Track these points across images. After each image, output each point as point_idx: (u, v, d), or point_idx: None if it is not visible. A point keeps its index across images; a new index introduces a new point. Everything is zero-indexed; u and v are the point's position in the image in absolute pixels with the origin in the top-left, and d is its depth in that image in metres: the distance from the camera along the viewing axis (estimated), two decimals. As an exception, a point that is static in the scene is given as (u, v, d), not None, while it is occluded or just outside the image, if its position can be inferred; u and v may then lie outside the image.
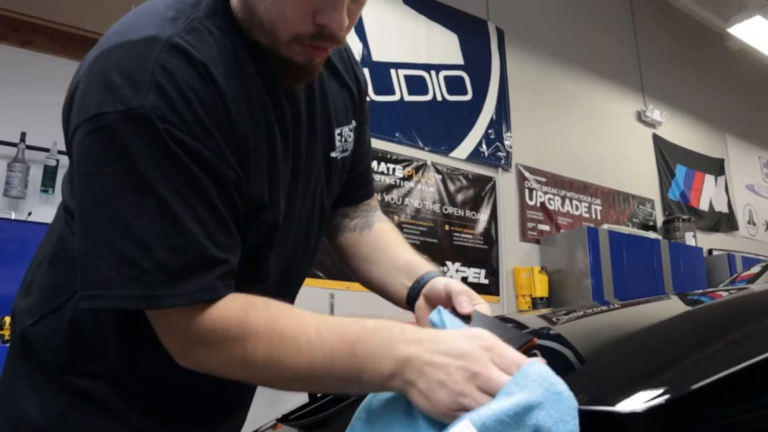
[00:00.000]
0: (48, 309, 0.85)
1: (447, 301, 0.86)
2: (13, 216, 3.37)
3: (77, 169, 0.70)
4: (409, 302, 0.95)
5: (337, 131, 0.96)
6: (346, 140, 0.98)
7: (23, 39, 3.53)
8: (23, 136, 3.44)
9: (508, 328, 0.81)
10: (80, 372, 0.82)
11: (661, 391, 0.57)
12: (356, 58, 1.04)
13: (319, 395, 1.22)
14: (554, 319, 1.21)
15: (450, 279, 0.91)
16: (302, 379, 0.69)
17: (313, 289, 3.80)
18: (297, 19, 0.73)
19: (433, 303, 0.89)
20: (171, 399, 0.86)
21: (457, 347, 0.62)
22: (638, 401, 0.56)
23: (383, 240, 1.04)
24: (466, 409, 0.58)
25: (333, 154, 0.96)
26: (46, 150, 3.52)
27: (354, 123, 1.00)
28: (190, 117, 0.69)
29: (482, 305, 0.84)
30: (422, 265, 0.97)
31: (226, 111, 0.73)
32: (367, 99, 1.07)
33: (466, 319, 0.80)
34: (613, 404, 0.57)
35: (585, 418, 0.54)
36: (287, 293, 0.95)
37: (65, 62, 3.60)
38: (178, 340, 0.72)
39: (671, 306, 1.23)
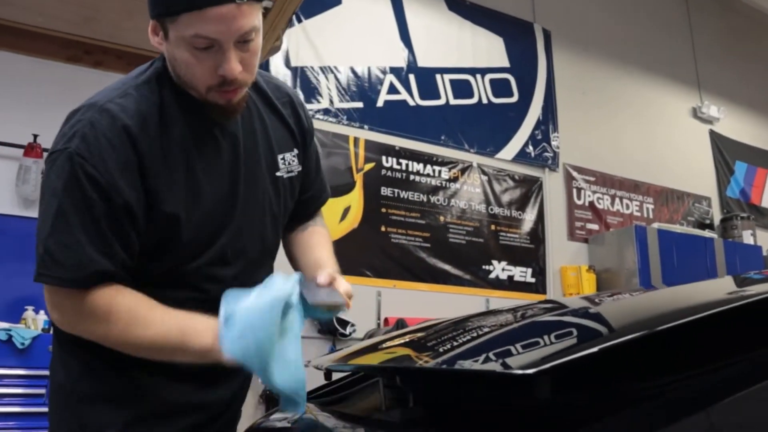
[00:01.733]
0: None
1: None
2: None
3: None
4: None
5: (280, 156, 1.24)
6: (289, 163, 1.26)
7: (95, 60, 3.87)
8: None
9: (329, 290, 1.10)
10: (88, 349, 1.07)
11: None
12: (301, 104, 1.33)
13: (334, 378, 1.39)
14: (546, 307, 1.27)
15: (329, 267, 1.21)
16: (147, 348, 1.01)
17: (361, 287, 3.99)
18: (205, 76, 1.02)
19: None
20: (152, 371, 1.09)
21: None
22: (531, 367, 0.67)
23: (309, 241, 1.34)
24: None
25: (278, 174, 1.24)
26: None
27: (296, 151, 1.28)
28: (98, 157, 0.99)
29: (340, 281, 1.12)
30: (325, 265, 1.23)
31: (135, 154, 1.02)
32: (314, 138, 1.36)
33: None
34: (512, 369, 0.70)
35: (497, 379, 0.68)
36: (249, 282, 1.15)
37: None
38: (57, 311, 1.03)
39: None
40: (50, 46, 3.57)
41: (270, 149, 1.22)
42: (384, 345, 1.22)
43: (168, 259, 1.10)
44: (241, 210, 1.17)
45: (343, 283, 1.14)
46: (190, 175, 1.09)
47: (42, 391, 2.72)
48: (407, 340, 1.21)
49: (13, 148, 3.50)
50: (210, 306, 1.00)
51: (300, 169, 1.28)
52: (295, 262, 1.33)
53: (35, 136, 3.46)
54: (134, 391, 1.11)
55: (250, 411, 3.40)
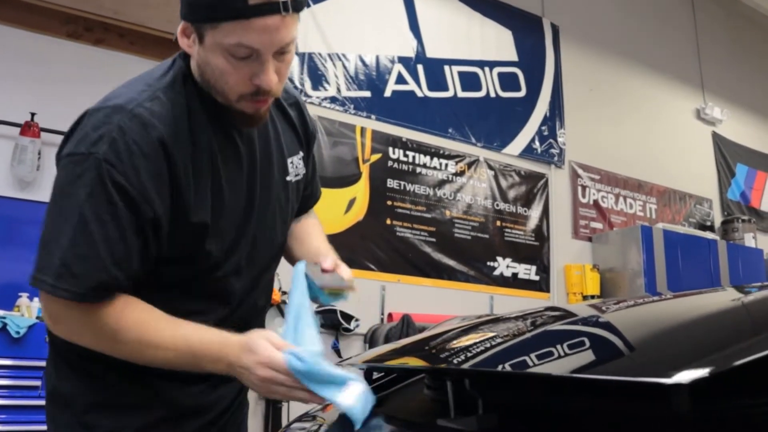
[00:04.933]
0: None
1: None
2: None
3: (53, 188, 0.97)
4: None
5: (290, 160, 1.23)
6: (296, 167, 1.25)
7: (96, 38, 3.72)
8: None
9: (333, 275, 1.14)
10: (86, 356, 1.04)
11: (705, 368, 0.60)
12: (305, 107, 1.32)
13: (374, 377, 1.28)
14: (604, 308, 1.23)
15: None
16: (158, 364, 1.00)
17: (365, 281, 3.89)
18: (239, 84, 0.99)
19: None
20: (160, 377, 1.07)
21: (244, 362, 0.97)
22: (684, 375, 0.58)
23: (304, 231, 1.35)
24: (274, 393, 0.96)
25: (288, 178, 1.23)
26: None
27: (302, 153, 1.27)
28: (129, 165, 0.94)
29: (343, 267, 1.18)
30: (325, 252, 1.25)
31: (168, 164, 0.98)
32: (316, 139, 1.37)
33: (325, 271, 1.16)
34: (660, 377, 0.60)
35: (635, 389, 0.58)
36: (257, 276, 1.21)
37: (132, 59, 3.79)
38: (61, 324, 0.99)
39: (720, 297, 1.23)
40: (50, 21, 3.42)
41: (281, 153, 1.21)
42: (429, 345, 1.12)
43: (186, 269, 1.08)
44: (257, 218, 1.15)
45: (346, 270, 1.17)
46: (216, 183, 1.06)
47: (38, 383, 2.59)
48: (465, 340, 1.10)
49: (8, 127, 3.35)
50: (215, 322, 1.02)
51: (304, 172, 1.29)
52: (291, 252, 1.32)
53: (32, 115, 3.31)
54: (144, 398, 1.09)
55: (252, 405, 3.30)
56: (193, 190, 1.02)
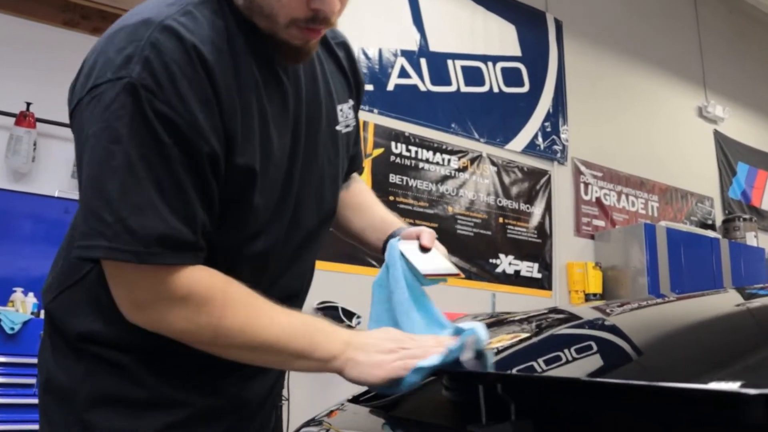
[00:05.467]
0: (65, 284, 0.92)
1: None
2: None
3: (78, 138, 0.79)
4: (382, 251, 1.10)
5: (339, 107, 1.05)
6: (347, 116, 1.07)
7: (93, 26, 3.64)
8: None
9: (434, 256, 1.02)
10: (96, 340, 0.87)
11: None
12: (354, 54, 1.15)
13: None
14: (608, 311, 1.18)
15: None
16: (263, 349, 0.82)
17: (366, 278, 3.82)
18: (293, 5, 0.81)
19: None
20: (184, 359, 0.88)
21: (378, 335, 0.87)
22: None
23: (360, 199, 1.20)
24: (398, 360, 0.82)
25: (337, 128, 1.04)
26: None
27: (351, 102, 1.09)
28: (171, 90, 0.75)
29: (438, 246, 1.06)
30: (395, 222, 1.15)
31: (212, 88, 0.79)
32: (364, 88, 1.18)
33: (424, 249, 1.01)
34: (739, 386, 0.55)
35: (704, 400, 0.53)
36: (301, 257, 1.03)
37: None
38: (134, 296, 0.79)
39: (731, 299, 1.18)
40: (46, 9, 3.34)
41: (330, 98, 1.02)
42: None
43: (224, 232, 0.87)
44: (301, 172, 0.96)
45: (442, 248, 1.05)
46: (263, 123, 0.87)
47: (33, 380, 2.51)
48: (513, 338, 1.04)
49: (3, 117, 3.26)
50: None
51: (355, 123, 1.10)
52: (348, 224, 1.18)
53: (28, 105, 3.22)
54: (167, 393, 0.89)
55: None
56: (240, 124, 0.83)
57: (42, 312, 2.90)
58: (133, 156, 0.74)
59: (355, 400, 1.20)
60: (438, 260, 0.99)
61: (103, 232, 0.73)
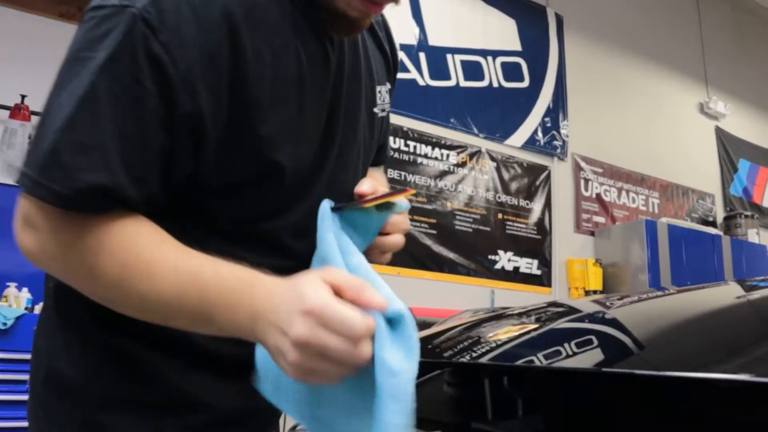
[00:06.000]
0: None
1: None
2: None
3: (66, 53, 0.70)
4: None
5: (378, 88, 0.95)
6: (384, 100, 0.98)
7: (60, 11, 3.56)
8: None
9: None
10: (111, 325, 0.76)
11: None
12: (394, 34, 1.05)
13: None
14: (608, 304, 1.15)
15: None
16: (150, 309, 0.68)
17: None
18: None
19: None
20: (204, 352, 0.80)
21: (280, 309, 0.61)
22: None
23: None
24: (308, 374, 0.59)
25: (375, 110, 0.95)
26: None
27: (389, 85, 1.00)
28: (174, 32, 0.66)
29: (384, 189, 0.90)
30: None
31: (231, 43, 0.70)
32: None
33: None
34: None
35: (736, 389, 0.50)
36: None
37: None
38: (32, 232, 0.68)
39: (733, 291, 1.16)
40: (42, 1, 3.30)
41: (371, 78, 0.93)
42: (455, 338, 1.03)
43: (246, 206, 0.78)
44: (338, 154, 0.87)
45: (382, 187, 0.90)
46: (301, 94, 0.78)
47: (26, 377, 2.48)
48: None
49: (-3, 110, 3.22)
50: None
51: (389, 108, 1.00)
52: None
53: (23, 97, 3.19)
54: (188, 395, 0.80)
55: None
56: (270, 87, 0.73)
57: (36, 307, 2.88)
58: (101, 87, 0.64)
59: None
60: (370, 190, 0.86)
61: (37, 161, 0.64)
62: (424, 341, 1.06)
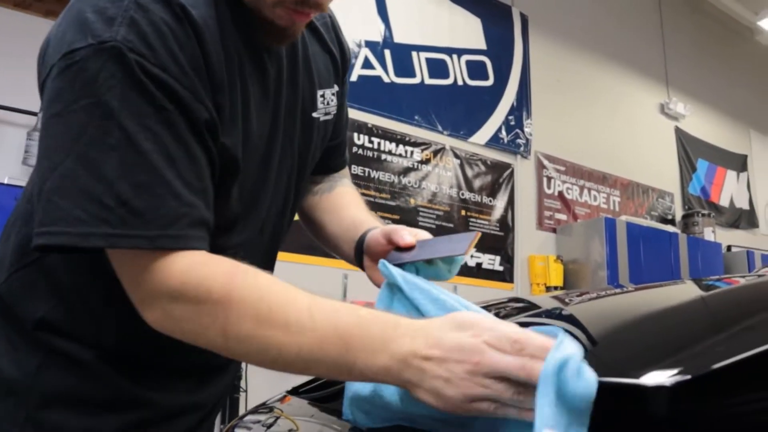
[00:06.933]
0: (19, 264, 0.82)
1: (388, 245, 0.86)
2: (32, 184, 3.38)
3: (47, 110, 0.67)
4: (359, 264, 0.94)
5: (320, 92, 0.96)
6: (328, 103, 0.98)
7: (46, 9, 3.53)
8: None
9: (451, 237, 0.83)
10: (55, 329, 0.78)
11: (684, 368, 0.55)
12: (340, 27, 1.05)
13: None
14: (567, 300, 1.18)
15: (388, 225, 0.91)
16: (287, 362, 0.64)
17: (326, 269, 3.80)
18: None
19: (376, 256, 0.88)
20: (149, 358, 0.82)
21: (450, 339, 0.58)
22: (663, 376, 0.54)
23: (337, 202, 1.04)
24: (476, 400, 0.56)
25: (315, 115, 0.95)
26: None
27: (336, 87, 1.00)
28: (164, 52, 0.66)
29: (422, 233, 0.86)
30: (365, 223, 0.95)
31: (203, 53, 0.71)
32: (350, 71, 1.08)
33: (410, 249, 0.82)
34: (637, 377, 0.55)
35: (607, 391, 0.52)
36: (267, 251, 0.94)
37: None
38: (143, 289, 0.67)
39: (685, 290, 1.20)
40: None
41: (310, 82, 0.94)
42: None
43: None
44: (279, 160, 0.87)
45: (425, 234, 0.86)
46: (245, 104, 0.79)
47: None
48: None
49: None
50: None
51: (335, 111, 1.00)
52: (322, 231, 1.03)
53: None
54: (128, 393, 0.81)
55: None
56: (227, 100, 0.74)
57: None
58: (131, 128, 0.64)
59: (295, 391, 1.17)
60: (437, 244, 0.82)
61: (107, 219, 0.63)
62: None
